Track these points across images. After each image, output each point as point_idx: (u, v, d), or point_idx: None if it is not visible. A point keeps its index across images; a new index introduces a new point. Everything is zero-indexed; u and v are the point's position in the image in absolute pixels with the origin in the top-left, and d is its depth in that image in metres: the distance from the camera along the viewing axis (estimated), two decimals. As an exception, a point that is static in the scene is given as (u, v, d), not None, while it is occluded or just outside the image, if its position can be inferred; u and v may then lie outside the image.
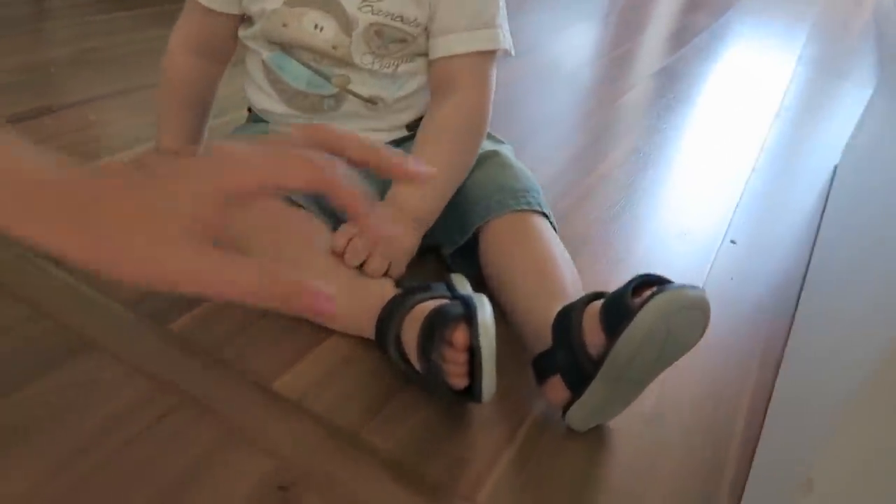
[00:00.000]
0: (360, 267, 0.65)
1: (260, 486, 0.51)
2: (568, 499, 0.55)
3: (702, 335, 0.54)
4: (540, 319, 0.61)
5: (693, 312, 0.53)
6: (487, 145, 0.78)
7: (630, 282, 0.56)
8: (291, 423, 0.57)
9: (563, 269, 0.67)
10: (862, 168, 1.04)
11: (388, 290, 0.64)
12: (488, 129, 0.76)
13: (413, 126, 0.78)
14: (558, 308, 0.60)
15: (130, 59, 1.25)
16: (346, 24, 0.70)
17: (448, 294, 0.61)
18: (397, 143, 0.79)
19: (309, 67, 0.74)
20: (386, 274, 0.67)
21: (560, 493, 0.56)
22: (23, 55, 1.20)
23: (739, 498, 0.58)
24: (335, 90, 0.75)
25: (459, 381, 0.56)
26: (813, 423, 0.50)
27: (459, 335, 0.55)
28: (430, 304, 0.59)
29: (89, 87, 1.11)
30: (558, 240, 0.72)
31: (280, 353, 0.63)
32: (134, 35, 1.37)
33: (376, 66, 0.73)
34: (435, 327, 0.56)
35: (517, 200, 0.72)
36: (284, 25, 0.71)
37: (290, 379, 0.61)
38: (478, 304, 0.56)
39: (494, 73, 0.75)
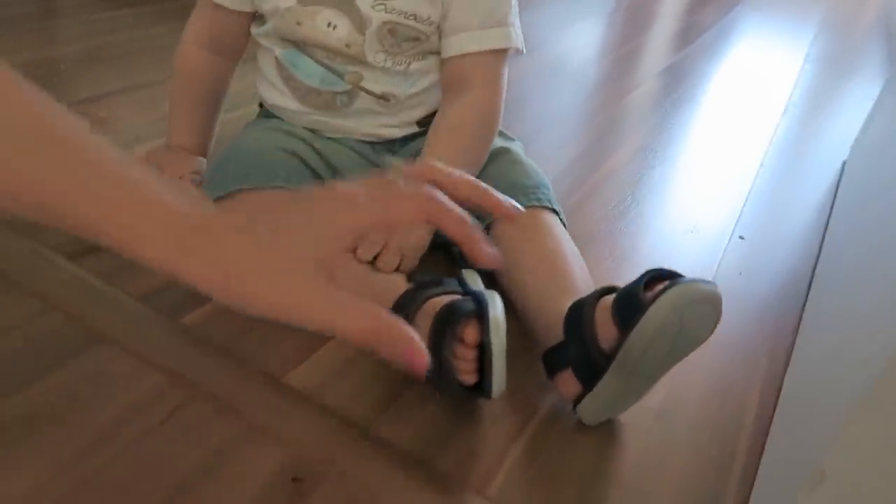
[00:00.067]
0: (373, 261, 0.66)
1: (273, 478, 0.52)
2: (578, 493, 0.56)
3: (713, 329, 0.55)
4: (551, 314, 0.61)
5: (705, 306, 0.53)
6: (498, 142, 0.78)
7: (642, 276, 0.56)
8: (304, 416, 0.58)
9: (574, 266, 0.67)
10: (871, 164, 1.04)
11: (399, 284, 0.64)
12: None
13: (424, 122, 0.78)
14: (569, 304, 0.60)
15: (136, 56, 1.25)
16: (360, 23, 0.71)
17: (460, 289, 0.61)
18: (408, 138, 0.80)
19: (322, 65, 0.74)
20: (398, 269, 0.67)
21: (570, 488, 0.56)
22: (31, 52, 1.21)
23: (748, 495, 0.58)
24: (348, 87, 0.75)
25: (469, 378, 0.57)
26: (823, 418, 0.50)
27: (470, 332, 0.55)
28: (442, 300, 0.59)
29: (98, 83, 1.12)
30: (568, 236, 0.72)
31: (292, 347, 0.64)
32: (138, 32, 1.37)
33: (389, 64, 0.73)
34: (446, 324, 0.56)
35: (528, 197, 0.72)
36: (298, 24, 0.71)
37: (302, 372, 0.61)
38: (489, 301, 0.56)
39: (506, 72, 0.75)
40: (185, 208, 0.34)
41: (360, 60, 0.73)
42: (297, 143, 0.75)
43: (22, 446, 0.51)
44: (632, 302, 0.55)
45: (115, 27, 1.38)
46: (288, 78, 0.76)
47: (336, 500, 0.51)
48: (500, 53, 0.74)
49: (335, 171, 0.76)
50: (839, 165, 1.27)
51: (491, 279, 0.68)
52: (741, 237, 0.99)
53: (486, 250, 0.36)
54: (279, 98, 0.78)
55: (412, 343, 0.33)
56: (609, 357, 0.56)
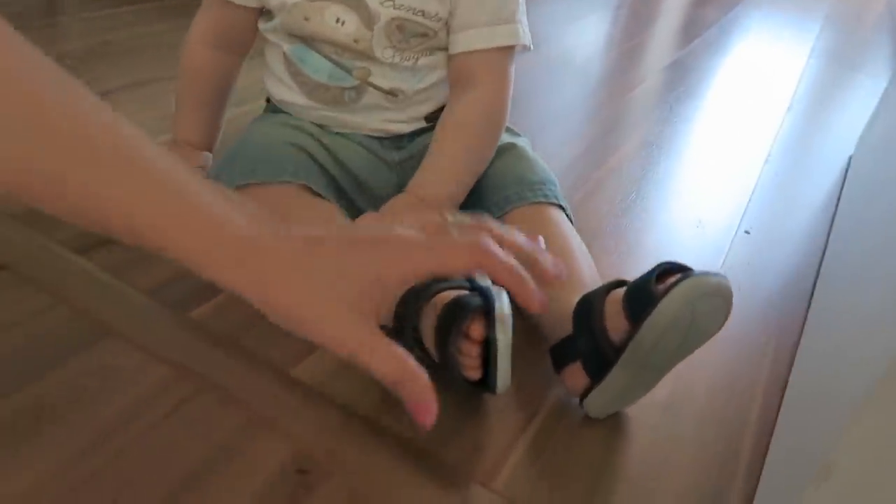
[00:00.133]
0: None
1: (280, 470, 0.52)
2: (584, 487, 0.56)
3: (724, 322, 0.55)
4: (559, 309, 0.61)
5: (717, 299, 0.53)
6: (505, 138, 0.78)
7: (653, 269, 0.56)
8: (310, 408, 0.58)
9: (581, 261, 0.67)
10: (877, 159, 1.04)
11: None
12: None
13: (432, 117, 0.78)
14: (577, 298, 0.60)
15: (138, 53, 1.25)
16: (368, 19, 0.71)
17: (467, 284, 0.61)
18: (416, 133, 0.80)
19: (330, 60, 0.74)
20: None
21: (576, 482, 0.56)
22: (37, 48, 1.21)
23: (753, 492, 0.58)
24: (356, 82, 0.75)
25: (474, 373, 0.57)
26: (829, 414, 0.50)
27: (476, 328, 0.55)
28: (450, 294, 0.59)
29: (99, 81, 1.11)
30: (575, 232, 0.72)
31: (299, 340, 0.62)
32: (139, 29, 1.37)
33: (397, 60, 0.73)
34: (452, 319, 0.56)
35: (534, 192, 0.72)
36: (306, 19, 0.71)
37: (309, 365, 0.61)
38: (496, 296, 0.56)
39: (513, 68, 0.75)
40: (252, 231, 0.36)
41: (368, 56, 0.73)
42: (305, 138, 0.75)
43: (30, 439, 0.51)
44: (643, 294, 0.55)
45: (116, 24, 1.38)
46: (296, 73, 0.76)
47: (342, 492, 0.51)
48: (508, 50, 0.74)
49: (343, 166, 0.76)
50: (845, 161, 1.27)
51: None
52: (747, 232, 0.99)
53: (536, 298, 0.38)
54: (287, 93, 0.78)
55: (429, 399, 0.37)
56: (619, 350, 0.56)
